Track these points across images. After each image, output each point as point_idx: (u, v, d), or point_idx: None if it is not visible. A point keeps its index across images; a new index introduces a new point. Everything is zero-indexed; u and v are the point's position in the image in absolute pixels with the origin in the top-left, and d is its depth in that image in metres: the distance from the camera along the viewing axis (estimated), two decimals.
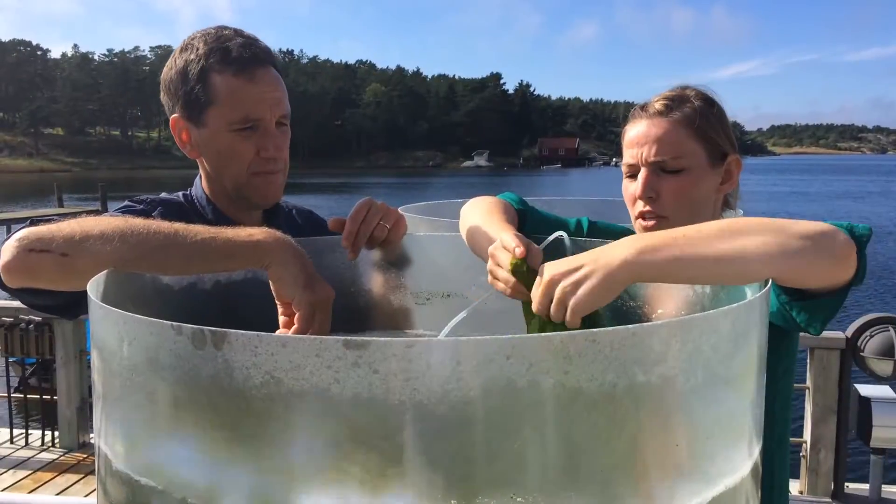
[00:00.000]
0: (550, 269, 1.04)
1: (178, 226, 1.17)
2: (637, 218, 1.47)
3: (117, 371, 0.85)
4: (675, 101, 1.46)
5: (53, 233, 1.14)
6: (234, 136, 1.45)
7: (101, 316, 0.87)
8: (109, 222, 1.16)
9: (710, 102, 1.48)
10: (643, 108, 1.48)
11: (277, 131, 1.49)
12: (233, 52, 1.44)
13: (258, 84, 1.45)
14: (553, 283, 1.02)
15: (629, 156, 1.47)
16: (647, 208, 1.44)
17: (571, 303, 1.00)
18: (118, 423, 0.87)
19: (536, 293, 1.05)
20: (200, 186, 1.59)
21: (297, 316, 1.18)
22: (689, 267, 1.01)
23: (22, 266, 1.14)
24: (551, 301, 1.03)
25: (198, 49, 1.45)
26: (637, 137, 1.46)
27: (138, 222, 1.16)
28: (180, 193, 1.61)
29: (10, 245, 1.16)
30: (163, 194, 1.59)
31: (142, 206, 1.49)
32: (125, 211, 1.45)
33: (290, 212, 1.72)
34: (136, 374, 0.82)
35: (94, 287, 0.98)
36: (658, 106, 1.46)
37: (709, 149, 1.45)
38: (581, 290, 1.00)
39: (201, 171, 1.58)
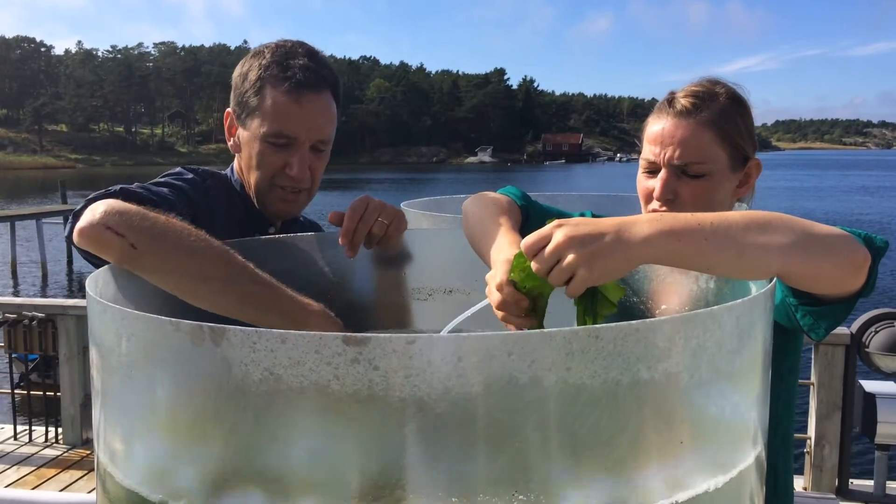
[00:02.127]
0: (566, 229, 0.97)
1: (249, 264, 1.20)
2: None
3: (116, 367, 0.84)
4: (704, 99, 1.41)
5: (135, 220, 1.17)
6: (265, 146, 1.50)
7: (100, 312, 0.86)
8: (189, 232, 1.19)
9: (738, 102, 1.44)
10: (670, 102, 1.44)
11: (311, 154, 1.52)
12: (290, 71, 1.48)
13: (303, 107, 1.48)
14: (567, 246, 0.95)
15: (650, 152, 1.43)
16: (663, 209, 1.41)
17: (582, 274, 0.95)
18: (117, 420, 0.87)
19: (545, 252, 0.97)
20: (234, 173, 1.63)
21: None
22: (710, 256, 0.99)
23: (94, 238, 1.17)
24: (557, 261, 0.96)
25: (264, 58, 1.51)
26: (661, 136, 1.42)
27: (215, 243, 1.19)
28: (221, 171, 1.65)
29: (95, 211, 1.19)
30: (210, 168, 1.64)
31: (192, 176, 1.53)
32: (177, 178, 1.49)
33: (298, 218, 1.73)
34: (135, 370, 0.81)
35: (92, 283, 0.97)
36: (686, 103, 1.41)
37: (732, 154, 1.41)
38: (597, 264, 0.95)
39: (237, 161, 1.62)
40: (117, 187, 1.27)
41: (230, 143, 1.59)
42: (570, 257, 0.95)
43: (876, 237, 1.11)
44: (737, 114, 1.42)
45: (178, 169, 1.55)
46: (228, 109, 1.57)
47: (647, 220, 0.98)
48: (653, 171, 1.44)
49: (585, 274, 0.95)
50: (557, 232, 0.97)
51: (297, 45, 1.54)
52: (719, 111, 1.40)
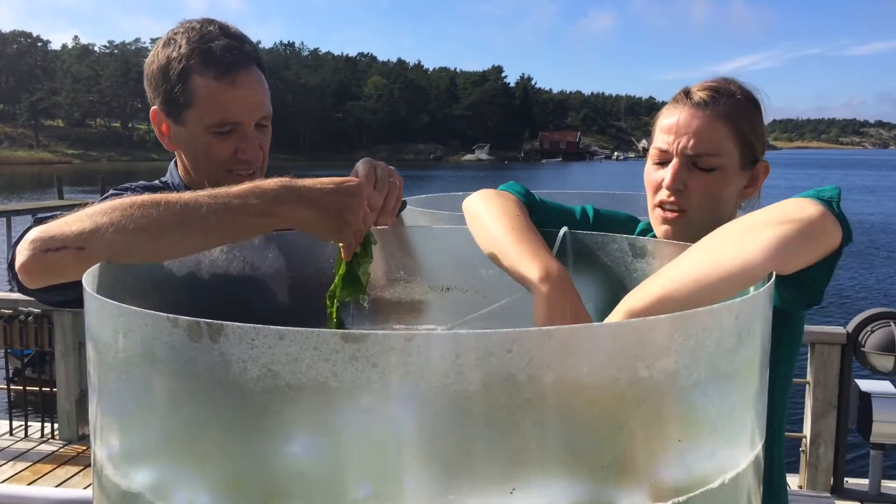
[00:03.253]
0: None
1: (186, 199, 1.13)
2: (656, 206, 1.43)
3: (112, 364, 0.84)
4: (721, 94, 1.40)
5: (64, 229, 1.12)
6: (210, 138, 1.46)
7: (97, 307, 0.86)
8: (117, 208, 1.13)
9: (753, 102, 1.43)
10: (686, 94, 1.43)
11: (257, 132, 1.49)
12: (215, 54, 1.43)
13: (239, 89, 1.44)
14: None
15: (662, 141, 1.42)
16: (671, 199, 1.40)
17: None
18: (113, 417, 0.86)
19: None
20: (177, 174, 1.59)
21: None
22: (690, 304, 0.99)
23: (42, 267, 1.13)
24: None
25: (180, 47, 1.44)
26: (676, 125, 1.40)
27: (142, 199, 1.13)
28: (157, 181, 1.61)
29: (24, 248, 1.14)
30: (141, 182, 1.59)
31: (127, 195, 1.47)
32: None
33: None
34: (132, 367, 0.81)
35: (89, 278, 0.97)
36: (703, 95, 1.40)
37: (744, 151, 1.41)
38: None
39: (178, 161, 1.59)
40: (32, 222, 1.21)
41: (164, 142, 1.53)
42: None
43: (823, 189, 1.12)
44: (750, 113, 1.42)
45: (110, 192, 1.47)
46: (154, 108, 1.50)
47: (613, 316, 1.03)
48: (663, 161, 1.43)
49: None
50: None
51: (205, 23, 1.48)
52: (735, 107, 1.40)
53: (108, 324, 0.84)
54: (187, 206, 1.12)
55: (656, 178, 1.43)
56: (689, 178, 1.39)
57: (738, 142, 1.40)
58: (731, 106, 1.40)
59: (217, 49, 1.43)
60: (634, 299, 1.01)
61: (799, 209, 1.05)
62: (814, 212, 1.05)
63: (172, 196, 1.14)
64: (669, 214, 1.40)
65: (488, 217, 1.35)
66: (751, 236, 1.02)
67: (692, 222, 1.37)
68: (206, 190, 1.15)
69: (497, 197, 1.43)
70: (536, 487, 0.74)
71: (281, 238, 1.40)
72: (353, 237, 1.18)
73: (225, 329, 0.72)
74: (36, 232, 1.15)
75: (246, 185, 1.14)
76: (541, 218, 1.47)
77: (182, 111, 1.46)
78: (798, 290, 1.18)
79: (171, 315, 0.75)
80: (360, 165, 1.34)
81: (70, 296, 1.20)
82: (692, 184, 1.39)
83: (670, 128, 1.41)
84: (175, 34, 1.47)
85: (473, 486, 0.73)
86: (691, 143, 1.38)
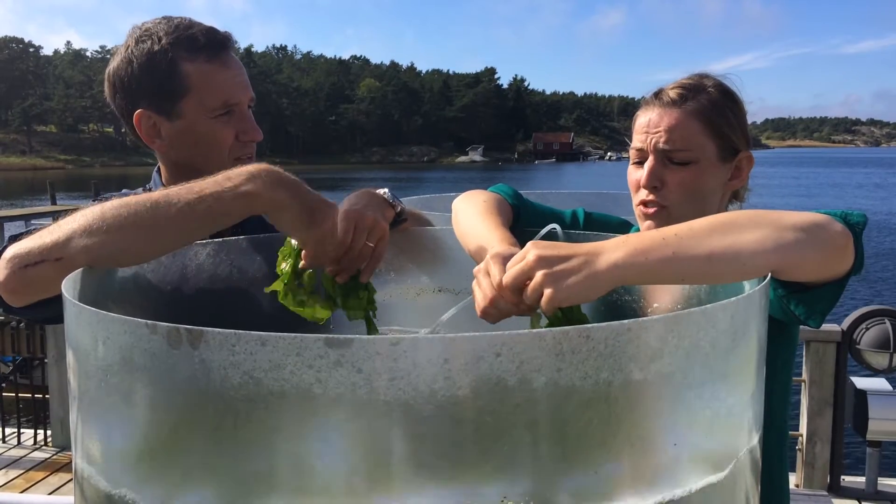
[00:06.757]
0: (538, 249, 0.98)
1: (157, 196, 1.10)
2: (638, 205, 1.43)
3: (92, 371, 0.81)
4: (691, 91, 1.41)
5: (39, 242, 1.10)
6: (213, 123, 1.44)
7: (75, 314, 0.84)
8: (88, 214, 1.10)
9: (727, 95, 1.43)
10: (657, 95, 1.44)
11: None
12: (200, 40, 1.42)
13: (231, 68, 1.44)
14: (536, 265, 0.97)
15: (637, 141, 1.43)
16: (650, 197, 1.40)
17: (549, 292, 0.95)
18: (94, 425, 0.84)
19: (514, 269, 0.99)
20: (160, 181, 1.56)
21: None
22: (680, 267, 0.97)
23: (23, 284, 1.10)
24: (527, 280, 0.97)
25: (160, 39, 1.42)
26: (647, 125, 1.42)
27: (116, 205, 1.10)
28: (140, 189, 1.58)
29: (2, 267, 1.11)
30: (125, 190, 1.56)
31: None
32: None
33: None
34: (111, 374, 0.79)
35: (70, 285, 0.95)
36: (672, 94, 1.41)
37: (720, 144, 1.41)
38: (562, 284, 0.95)
39: (162, 165, 1.56)
40: (5, 242, 1.19)
41: (156, 145, 1.49)
42: (537, 276, 0.96)
43: (852, 213, 1.10)
44: (725, 105, 1.42)
45: (90, 202, 1.42)
46: (138, 112, 1.45)
47: (615, 245, 0.98)
48: (641, 160, 1.44)
49: (551, 293, 0.95)
50: (531, 252, 0.99)
51: (168, 19, 1.46)
52: (707, 102, 1.40)
53: (86, 331, 0.81)
54: (158, 203, 1.10)
55: (636, 177, 1.44)
56: (666, 174, 1.40)
57: (712, 135, 1.40)
58: (703, 101, 1.40)
59: (199, 34, 1.42)
60: (644, 245, 0.97)
61: (827, 225, 1.03)
62: (840, 233, 1.04)
63: (143, 195, 1.12)
64: (651, 211, 1.41)
65: (464, 211, 1.38)
66: (773, 233, 0.99)
67: (674, 217, 1.36)
68: (178, 185, 1.13)
69: (478, 194, 1.46)
70: (529, 495, 0.72)
71: (269, 240, 1.37)
72: (329, 246, 1.17)
73: (205, 335, 0.70)
74: (12, 249, 1.12)
75: (219, 174, 1.13)
76: (529, 220, 1.46)
77: (176, 103, 1.43)
78: (800, 310, 1.16)
79: (149, 321, 0.73)
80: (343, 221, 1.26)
81: (56, 311, 1.18)
82: (669, 179, 1.40)
83: (641, 127, 1.43)
84: (145, 31, 1.45)
85: (463, 494, 0.71)
86: (663, 139, 1.40)
